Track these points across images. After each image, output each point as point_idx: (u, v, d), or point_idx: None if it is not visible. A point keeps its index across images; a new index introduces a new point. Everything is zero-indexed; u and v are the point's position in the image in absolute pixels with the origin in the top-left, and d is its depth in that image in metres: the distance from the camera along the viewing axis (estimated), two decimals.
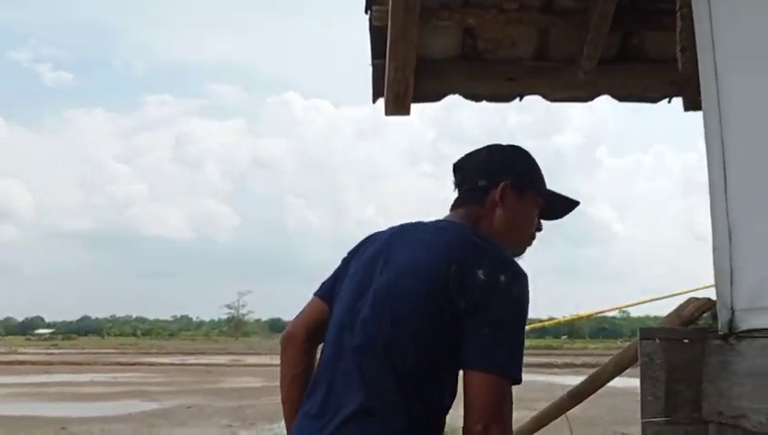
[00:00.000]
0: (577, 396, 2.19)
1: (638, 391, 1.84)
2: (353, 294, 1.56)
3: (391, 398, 1.42)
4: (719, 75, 1.81)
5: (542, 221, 1.71)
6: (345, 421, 1.43)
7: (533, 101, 3.17)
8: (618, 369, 2.05)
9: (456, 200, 1.69)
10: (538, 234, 1.71)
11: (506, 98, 3.10)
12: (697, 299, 1.85)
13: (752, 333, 1.65)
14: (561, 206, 1.75)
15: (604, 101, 3.26)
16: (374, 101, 3.16)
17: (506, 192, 1.62)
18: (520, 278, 1.45)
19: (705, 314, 1.86)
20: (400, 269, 1.51)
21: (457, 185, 1.71)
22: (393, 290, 1.49)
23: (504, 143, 1.76)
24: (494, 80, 3.04)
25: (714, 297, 1.83)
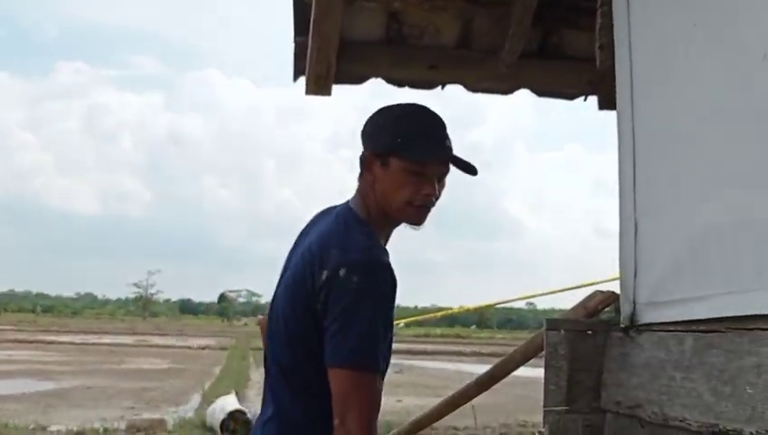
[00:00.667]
0: (483, 384, 2.21)
1: (542, 381, 1.88)
2: (274, 295, 1.63)
3: (284, 399, 1.52)
4: (634, 72, 1.86)
5: (437, 187, 1.56)
6: (263, 423, 1.56)
7: (454, 93, 3.18)
8: (524, 358, 2.09)
9: None
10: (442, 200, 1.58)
11: (428, 85, 3.09)
12: (602, 292, 1.90)
13: (651, 327, 1.70)
14: (458, 166, 1.57)
15: (524, 96, 3.32)
16: (295, 80, 3.10)
17: (369, 163, 1.56)
18: (363, 269, 1.43)
19: (608, 308, 1.91)
20: (288, 276, 1.57)
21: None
22: (280, 300, 1.56)
23: (393, 103, 1.63)
24: (417, 66, 3.03)
25: (618, 291, 1.88)
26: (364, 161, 1.57)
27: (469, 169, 1.57)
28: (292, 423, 1.51)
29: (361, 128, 1.62)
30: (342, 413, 1.36)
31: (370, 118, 1.62)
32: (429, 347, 37.56)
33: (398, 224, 1.61)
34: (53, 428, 8.64)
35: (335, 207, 1.65)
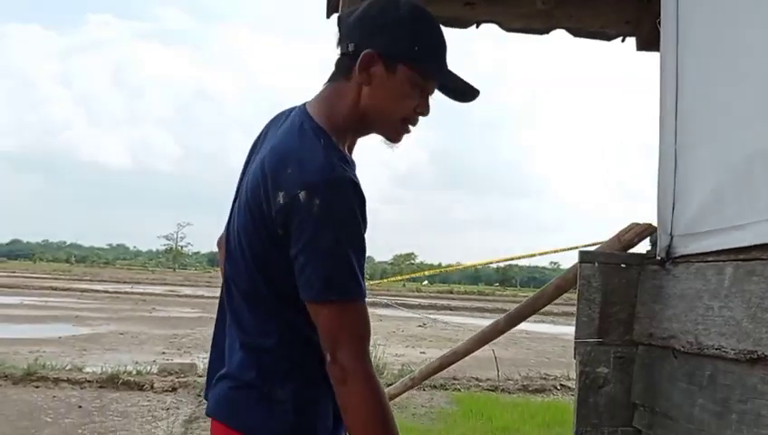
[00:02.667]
0: (514, 318, 2.22)
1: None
2: (229, 214, 1.48)
3: (250, 328, 1.39)
4: (680, 2, 1.80)
5: (427, 105, 1.40)
6: (230, 352, 1.43)
7: (486, 45, 3.11)
8: (557, 291, 2.08)
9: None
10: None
11: (463, 23, 3.03)
12: (639, 224, 1.88)
13: (688, 258, 1.68)
14: (455, 88, 1.42)
15: (557, 41, 3.24)
16: (328, 16, 3.05)
17: (371, 63, 1.33)
18: (325, 189, 1.25)
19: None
20: (242, 195, 1.40)
21: (336, 45, 1.40)
22: (235, 221, 1.41)
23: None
24: (452, 3, 2.96)
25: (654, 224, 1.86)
26: (360, 60, 1.33)
27: (465, 95, 1.42)
28: (261, 350, 1.38)
29: (356, 14, 1.38)
30: (332, 349, 1.25)
31: (376, 6, 1.38)
32: (453, 303, 37.76)
33: (365, 135, 1.44)
34: (89, 369, 8.89)
35: (290, 111, 1.45)
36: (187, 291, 33.38)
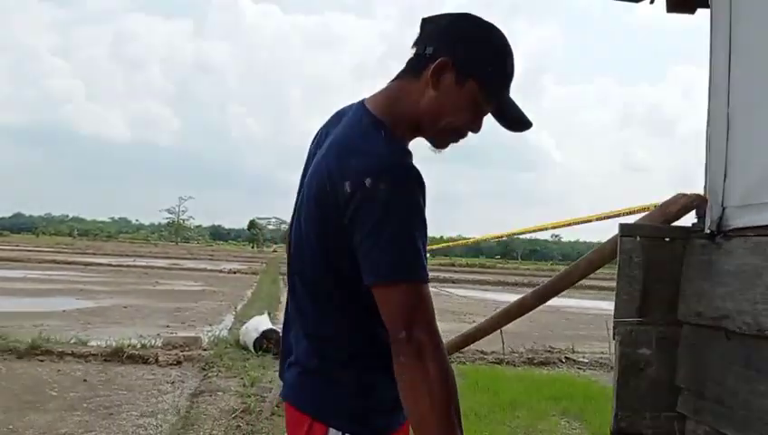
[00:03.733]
0: (543, 295, 2.09)
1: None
2: (294, 211, 1.54)
3: (312, 316, 1.47)
4: None
5: (481, 124, 1.47)
6: (295, 343, 1.53)
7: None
8: (591, 267, 1.95)
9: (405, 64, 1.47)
10: (472, 135, 1.49)
11: None
12: (686, 195, 1.74)
13: (744, 232, 1.55)
14: (511, 117, 1.47)
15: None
16: None
17: (444, 71, 1.39)
18: (390, 175, 1.29)
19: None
20: (306, 190, 1.44)
21: (413, 44, 1.45)
22: (301, 216, 1.47)
23: (483, 18, 1.46)
24: None
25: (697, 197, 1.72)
26: (435, 65, 1.38)
27: (518, 124, 1.48)
28: (324, 339, 1.46)
29: (446, 21, 1.43)
30: (408, 327, 1.28)
31: (466, 21, 1.44)
32: (455, 276, 37.87)
33: (416, 137, 1.48)
34: (93, 343, 8.85)
35: (348, 107, 1.52)
36: (190, 264, 33.41)
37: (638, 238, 1.65)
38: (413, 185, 1.30)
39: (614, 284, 1.81)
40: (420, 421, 1.28)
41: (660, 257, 1.67)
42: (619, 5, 3.06)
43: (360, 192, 1.28)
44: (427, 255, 1.34)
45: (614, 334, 1.66)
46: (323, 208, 1.35)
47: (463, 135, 1.48)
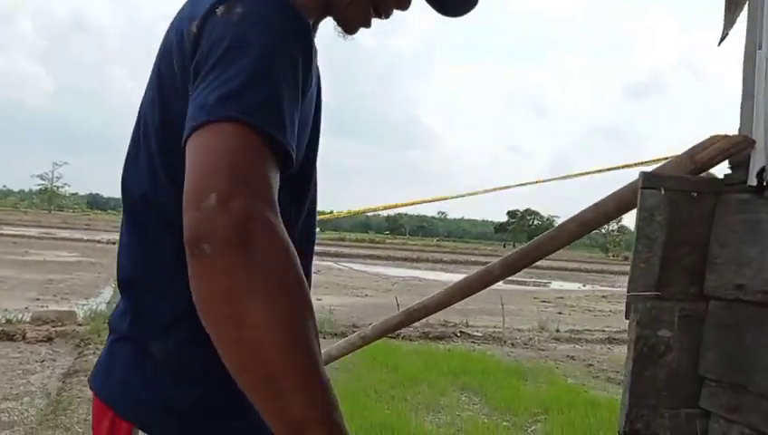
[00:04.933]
0: (514, 263, 1.70)
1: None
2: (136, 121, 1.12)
3: (138, 252, 1.03)
4: None
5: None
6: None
7: None
8: (585, 227, 1.57)
9: None
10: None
11: None
12: (726, 136, 1.39)
13: None
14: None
15: None
16: None
17: None
18: (253, 1, 0.87)
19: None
20: (154, 68, 1.02)
21: None
22: (144, 106, 1.04)
23: None
24: None
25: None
26: None
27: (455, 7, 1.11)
28: (140, 286, 1.00)
29: None
30: (225, 188, 0.76)
31: None
32: (345, 250, 37.94)
33: (326, 17, 1.10)
34: None
35: None
36: (65, 234, 31.36)
37: (663, 192, 1.30)
38: (287, 19, 0.88)
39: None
40: (253, 355, 0.76)
41: (687, 216, 1.33)
42: None
43: (208, 20, 0.87)
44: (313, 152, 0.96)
45: (627, 312, 1.31)
46: (167, 83, 0.94)
47: (386, 14, 1.11)
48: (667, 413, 1.30)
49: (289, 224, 0.86)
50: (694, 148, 1.38)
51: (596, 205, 1.55)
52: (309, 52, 0.92)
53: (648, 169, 1.44)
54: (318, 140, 1.08)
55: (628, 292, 1.30)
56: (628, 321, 1.30)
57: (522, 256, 1.69)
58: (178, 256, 0.89)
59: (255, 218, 0.76)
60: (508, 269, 1.71)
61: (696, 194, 1.33)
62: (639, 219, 1.30)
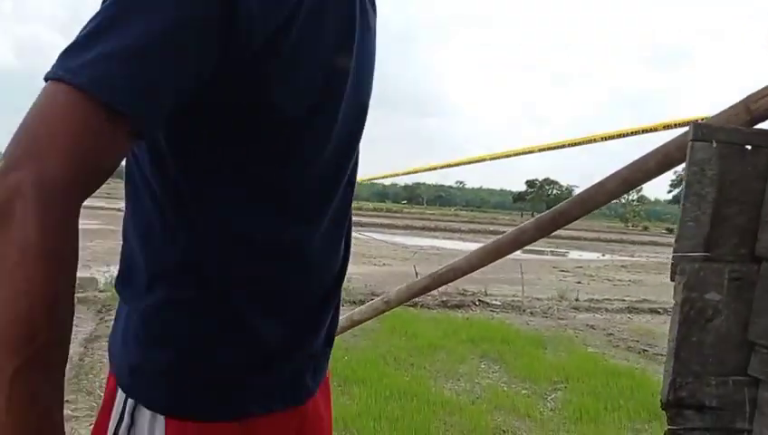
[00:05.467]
0: (547, 223, 1.61)
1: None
2: None
3: (132, 222, 1.01)
4: None
5: None
6: None
7: None
8: (625, 184, 1.47)
9: None
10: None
11: None
12: None
13: None
14: None
15: None
16: None
17: None
18: None
19: None
20: None
21: None
22: None
23: None
24: None
25: None
26: None
27: None
28: (128, 241, 0.95)
29: None
30: (12, 152, 0.67)
31: None
32: (363, 219, 37.97)
33: None
34: None
35: None
36: (85, 202, 31.55)
37: (715, 144, 1.21)
38: None
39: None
40: None
41: (741, 170, 1.24)
42: None
43: None
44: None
45: (672, 274, 1.23)
46: None
47: None
48: (714, 381, 1.23)
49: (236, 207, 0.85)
50: (749, 96, 1.28)
51: (636, 162, 1.47)
52: None
53: (674, 133, 1.35)
54: (339, 91, 0.94)
55: (674, 252, 1.22)
56: (672, 283, 1.22)
57: (556, 216, 1.60)
58: (151, 220, 0.85)
59: (24, 198, 0.65)
60: (542, 229, 1.63)
61: (750, 147, 1.24)
62: (689, 174, 1.21)
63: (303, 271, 0.96)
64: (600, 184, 1.50)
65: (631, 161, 1.45)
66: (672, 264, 1.22)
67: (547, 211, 1.64)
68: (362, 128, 1.05)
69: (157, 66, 0.71)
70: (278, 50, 0.80)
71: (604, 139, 4.53)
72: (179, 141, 0.84)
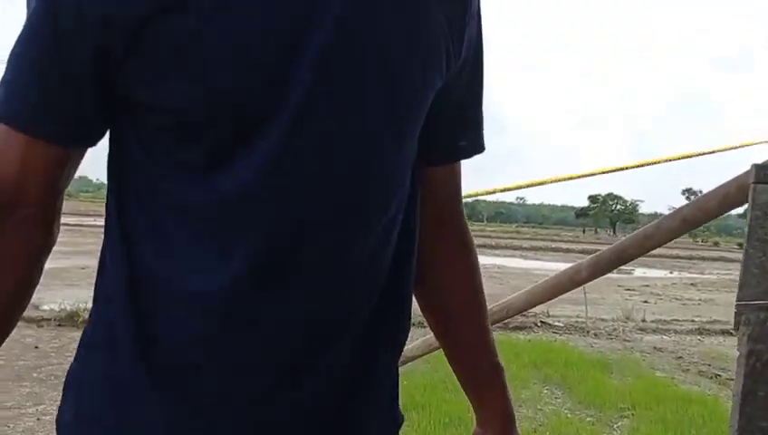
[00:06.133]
0: (608, 262, 1.57)
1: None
2: None
3: None
4: None
5: None
6: None
7: None
8: (685, 225, 1.42)
9: None
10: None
11: None
12: None
13: None
14: None
15: None
16: None
17: None
18: None
19: None
20: None
21: None
22: None
23: None
24: None
25: None
26: None
27: None
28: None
29: None
30: None
31: None
32: None
33: None
34: (46, 306, 8.28)
35: None
36: None
37: None
38: None
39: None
40: None
41: None
42: None
43: None
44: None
45: (736, 324, 1.18)
46: None
47: None
48: None
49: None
50: None
51: (696, 201, 1.41)
52: None
53: (749, 156, 1.29)
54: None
55: (737, 300, 1.16)
56: (736, 333, 1.17)
57: (613, 257, 1.56)
58: (110, 225, 0.82)
59: None
60: (601, 269, 1.59)
61: None
62: (751, 218, 1.16)
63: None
64: (659, 224, 1.45)
65: (693, 200, 1.40)
66: (735, 313, 1.17)
67: (605, 250, 1.59)
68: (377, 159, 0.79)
69: (28, 77, 0.75)
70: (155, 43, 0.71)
71: (669, 160, 4.41)
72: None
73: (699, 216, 1.39)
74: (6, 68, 0.74)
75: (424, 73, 0.80)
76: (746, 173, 1.20)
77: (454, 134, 0.93)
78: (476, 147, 0.96)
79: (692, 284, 20.63)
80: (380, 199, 0.80)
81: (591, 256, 1.61)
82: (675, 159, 4.38)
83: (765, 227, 1.16)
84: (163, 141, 0.75)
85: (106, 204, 0.83)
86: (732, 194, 1.31)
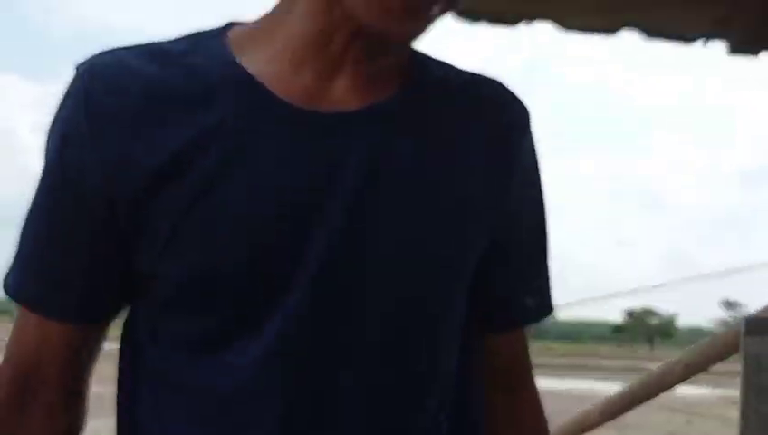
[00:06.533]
0: (616, 407, 1.53)
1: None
2: None
3: None
4: None
5: None
6: None
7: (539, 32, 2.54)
8: (688, 371, 1.40)
9: None
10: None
11: (510, 21, 2.45)
12: None
13: None
14: None
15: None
16: None
17: None
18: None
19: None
20: None
21: None
22: None
23: None
24: None
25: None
26: None
27: None
28: None
29: None
30: None
31: None
32: None
33: (361, 42, 0.66)
34: None
35: None
36: None
37: None
38: (61, 106, 0.71)
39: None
40: None
41: None
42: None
43: None
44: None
45: None
46: None
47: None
48: None
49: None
50: None
51: (698, 347, 1.40)
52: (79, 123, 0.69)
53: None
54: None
55: None
56: None
57: (625, 401, 1.53)
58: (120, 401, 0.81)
59: None
60: (611, 414, 1.55)
61: None
62: (744, 368, 1.14)
63: None
64: (664, 371, 1.43)
65: (692, 346, 1.39)
66: None
67: (616, 393, 1.56)
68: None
69: (35, 255, 0.76)
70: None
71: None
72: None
73: (702, 362, 1.37)
74: (18, 242, 0.77)
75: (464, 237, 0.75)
76: (740, 324, 1.19)
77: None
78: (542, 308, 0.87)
79: (734, 402, 19.63)
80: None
81: (603, 400, 1.58)
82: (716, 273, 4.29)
83: (758, 378, 1.13)
84: (166, 319, 0.74)
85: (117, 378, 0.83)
86: (730, 341, 1.29)
